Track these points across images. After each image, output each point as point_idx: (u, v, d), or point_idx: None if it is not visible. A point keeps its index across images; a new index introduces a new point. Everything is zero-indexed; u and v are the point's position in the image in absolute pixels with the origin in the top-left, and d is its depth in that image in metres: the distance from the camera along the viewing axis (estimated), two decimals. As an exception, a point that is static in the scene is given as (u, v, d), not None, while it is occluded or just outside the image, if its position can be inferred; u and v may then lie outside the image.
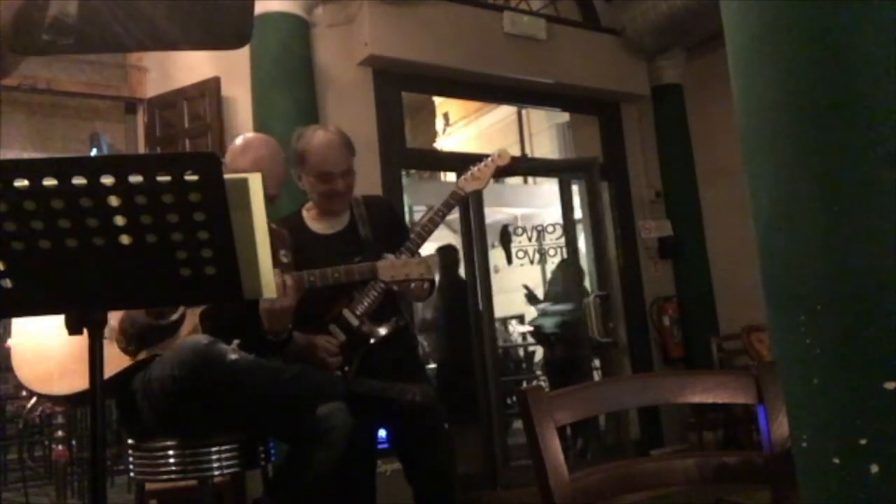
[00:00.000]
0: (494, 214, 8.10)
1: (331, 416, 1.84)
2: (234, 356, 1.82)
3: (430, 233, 2.27)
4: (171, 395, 1.80)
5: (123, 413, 1.97)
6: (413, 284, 2.24)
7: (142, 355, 1.87)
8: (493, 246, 5.99)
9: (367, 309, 2.23)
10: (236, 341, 1.91)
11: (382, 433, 2.45)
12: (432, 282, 2.43)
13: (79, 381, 1.80)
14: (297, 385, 1.89)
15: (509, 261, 5.98)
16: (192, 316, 1.92)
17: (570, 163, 6.40)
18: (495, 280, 6.41)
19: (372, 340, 2.25)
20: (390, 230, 2.31)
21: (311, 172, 2.26)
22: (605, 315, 5.21)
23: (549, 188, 5.68)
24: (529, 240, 5.99)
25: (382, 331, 2.25)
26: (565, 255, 5.74)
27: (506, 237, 5.96)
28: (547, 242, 6.01)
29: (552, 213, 5.80)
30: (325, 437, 1.82)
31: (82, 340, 1.75)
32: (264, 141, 2.25)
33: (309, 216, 2.37)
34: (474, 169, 2.41)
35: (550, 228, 5.97)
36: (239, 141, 2.20)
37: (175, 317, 1.91)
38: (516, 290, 6.80)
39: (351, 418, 1.87)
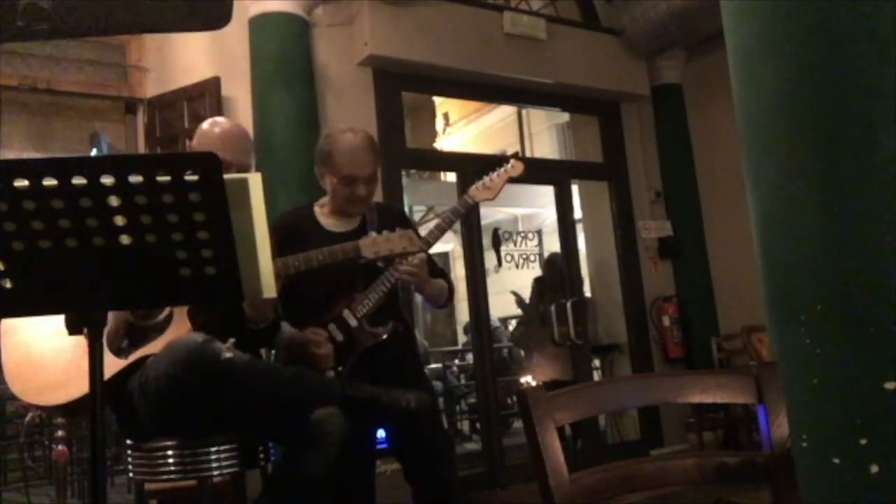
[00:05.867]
0: (494, 214, 8.10)
1: (326, 421, 1.84)
2: (228, 355, 1.81)
3: (436, 239, 2.27)
4: (166, 394, 1.80)
5: (120, 416, 1.97)
6: (429, 288, 2.27)
7: (132, 357, 1.87)
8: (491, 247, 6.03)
9: (368, 311, 2.23)
10: (231, 340, 1.90)
11: (382, 433, 2.44)
12: (451, 287, 2.42)
13: (74, 390, 1.80)
14: (293, 387, 1.88)
15: (499, 263, 6.02)
16: (181, 315, 1.92)
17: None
18: (496, 280, 6.43)
19: (369, 343, 2.24)
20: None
21: (335, 175, 2.26)
22: (578, 318, 5.27)
23: (550, 187, 5.68)
24: (515, 244, 6.04)
25: (381, 334, 2.25)
26: (549, 260, 5.83)
27: (496, 240, 5.99)
28: (529, 248, 6.07)
29: (553, 213, 5.81)
30: (319, 441, 1.82)
31: (74, 349, 1.77)
32: (231, 121, 2.27)
33: (321, 212, 2.37)
34: (486, 179, 2.40)
35: (531, 235, 6.06)
36: (205, 124, 2.20)
37: (161, 317, 1.90)
38: (517, 290, 6.81)
39: (346, 423, 1.86)
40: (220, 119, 2.29)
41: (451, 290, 2.42)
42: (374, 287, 2.23)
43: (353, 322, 2.22)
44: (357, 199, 2.28)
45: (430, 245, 2.24)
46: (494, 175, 2.39)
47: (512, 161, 2.41)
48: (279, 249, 2.10)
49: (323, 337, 2.18)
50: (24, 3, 3.00)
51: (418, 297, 3.91)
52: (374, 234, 2.07)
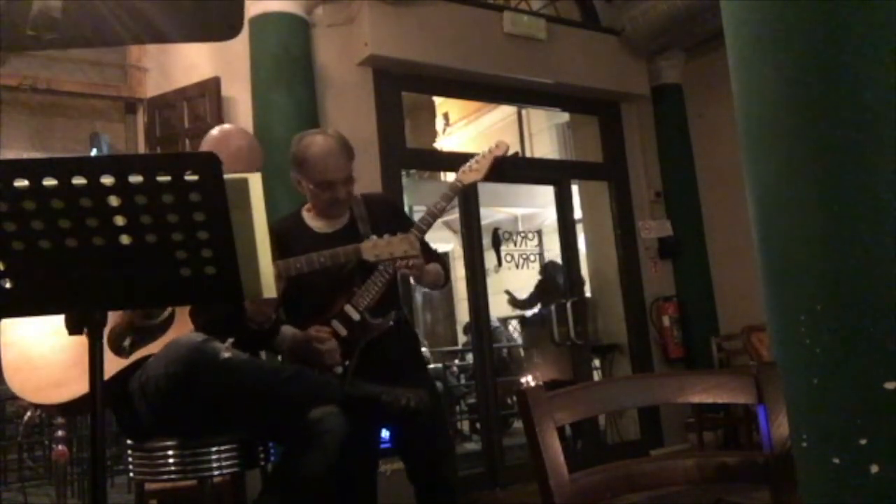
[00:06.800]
0: (494, 214, 8.09)
1: (325, 420, 1.83)
2: (227, 354, 1.82)
3: (429, 225, 2.28)
4: (166, 393, 1.80)
5: (121, 415, 1.97)
6: (427, 278, 2.30)
7: (134, 356, 1.87)
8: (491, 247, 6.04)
9: (369, 304, 2.24)
10: (230, 340, 1.90)
11: (386, 433, 2.45)
12: (446, 268, 2.47)
13: (74, 389, 1.80)
14: (292, 386, 1.88)
15: (499, 263, 6.03)
16: (183, 315, 1.92)
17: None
18: (496, 280, 6.44)
19: (373, 334, 2.25)
20: (393, 224, 2.31)
21: (311, 181, 2.27)
22: (578, 317, 5.29)
23: (550, 187, 5.69)
24: (515, 244, 6.06)
25: (384, 324, 2.26)
26: (548, 260, 5.87)
27: (496, 240, 6.01)
28: (529, 248, 6.09)
29: (553, 213, 5.81)
30: (318, 439, 1.82)
31: (74, 348, 1.77)
32: (242, 132, 2.26)
33: (308, 216, 2.39)
34: (472, 161, 2.43)
35: (531, 235, 6.09)
36: (215, 132, 2.18)
37: (163, 316, 1.90)
38: (518, 290, 6.81)
39: (345, 422, 1.86)
40: (229, 129, 2.26)
41: (446, 272, 2.46)
42: (373, 279, 2.25)
43: (356, 316, 2.23)
44: (337, 201, 2.30)
45: (423, 233, 2.25)
46: (480, 156, 2.43)
47: (496, 141, 2.44)
48: (276, 256, 2.11)
49: (326, 332, 2.19)
50: (34, 12, 3.01)
51: (418, 298, 3.92)
52: (374, 237, 2.09)
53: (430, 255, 2.38)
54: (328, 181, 2.25)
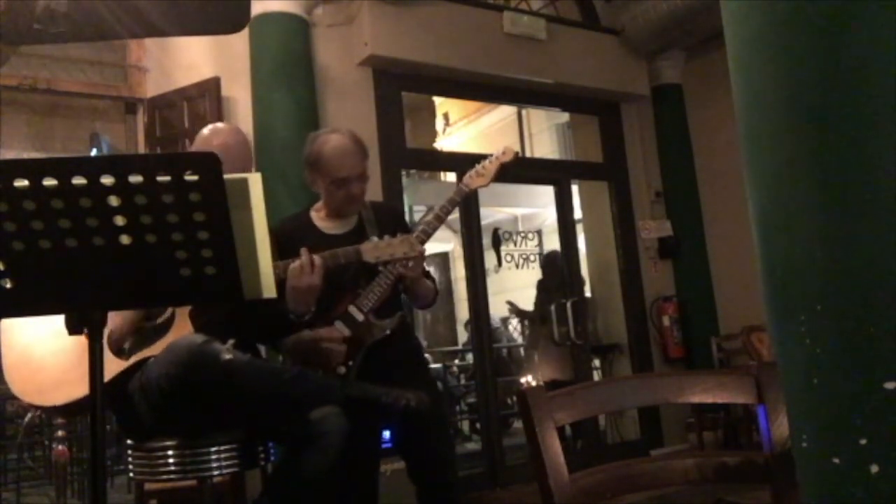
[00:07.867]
0: (494, 214, 8.09)
1: (325, 420, 1.84)
2: (228, 356, 1.81)
3: (434, 229, 2.29)
4: (167, 394, 1.80)
5: (121, 416, 1.97)
6: (420, 287, 2.28)
7: (135, 358, 1.87)
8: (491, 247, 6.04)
9: (374, 305, 2.25)
10: (231, 341, 1.90)
11: (386, 433, 2.45)
12: (436, 288, 2.44)
13: (75, 390, 1.80)
14: (293, 387, 1.89)
15: (499, 263, 6.03)
16: (183, 316, 1.92)
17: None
18: (496, 280, 6.43)
19: (377, 336, 2.25)
20: (398, 231, 2.32)
21: (326, 178, 2.28)
22: (578, 317, 5.30)
23: (550, 187, 5.69)
24: (515, 244, 6.07)
25: (388, 326, 2.27)
26: (547, 260, 5.87)
27: (496, 240, 6.00)
28: (529, 248, 6.09)
29: (553, 213, 5.81)
30: (318, 440, 1.82)
31: (75, 350, 1.77)
32: (232, 129, 2.27)
33: (317, 216, 2.40)
34: (479, 166, 2.44)
35: (531, 235, 6.10)
36: (206, 130, 2.20)
37: (164, 318, 1.90)
38: (518, 289, 6.80)
39: (346, 423, 1.86)
40: (220, 126, 2.28)
41: (435, 292, 2.43)
42: (378, 281, 2.25)
43: (361, 317, 2.23)
44: (352, 199, 2.31)
45: (429, 236, 2.26)
46: (487, 162, 2.43)
47: (503, 147, 2.45)
48: (279, 255, 2.11)
49: (338, 335, 2.19)
50: (40, 7, 3.01)
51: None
52: (375, 238, 2.10)
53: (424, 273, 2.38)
54: (343, 178, 2.27)
